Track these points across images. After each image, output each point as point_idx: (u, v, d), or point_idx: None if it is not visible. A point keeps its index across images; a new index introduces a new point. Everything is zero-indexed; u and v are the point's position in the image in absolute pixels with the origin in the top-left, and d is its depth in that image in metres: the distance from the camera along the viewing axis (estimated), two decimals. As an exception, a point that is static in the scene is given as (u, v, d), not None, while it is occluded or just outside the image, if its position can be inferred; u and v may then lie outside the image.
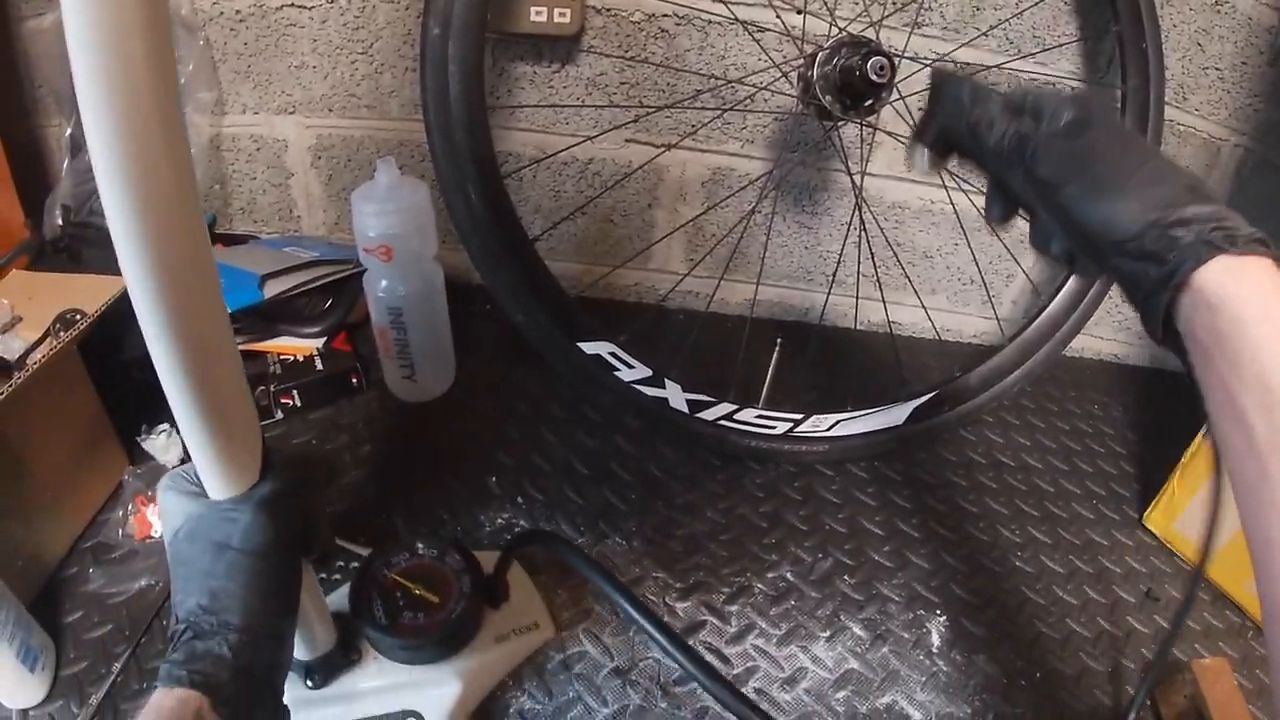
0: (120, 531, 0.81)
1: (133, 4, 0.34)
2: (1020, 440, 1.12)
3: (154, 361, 0.44)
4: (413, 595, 0.71)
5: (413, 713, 0.68)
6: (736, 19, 1.01)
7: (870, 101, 0.87)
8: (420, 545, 0.74)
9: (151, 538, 0.81)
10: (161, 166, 0.38)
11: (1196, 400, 0.46)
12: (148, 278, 0.40)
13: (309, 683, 0.66)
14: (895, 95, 0.94)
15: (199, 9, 1.08)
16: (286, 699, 0.66)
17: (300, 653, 0.65)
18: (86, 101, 0.35)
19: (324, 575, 0.78)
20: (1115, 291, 1.19)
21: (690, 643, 0.79)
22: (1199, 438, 0.94)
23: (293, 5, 1.07)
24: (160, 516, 0.54)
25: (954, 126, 0.60)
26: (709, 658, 0.78)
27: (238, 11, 1.08)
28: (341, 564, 0.79)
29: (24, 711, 0.67)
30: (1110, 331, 1.35)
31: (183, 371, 0.44)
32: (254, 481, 0.51)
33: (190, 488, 0.52)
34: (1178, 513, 0.97)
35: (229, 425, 0.48)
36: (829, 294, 1.19)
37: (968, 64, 1.09)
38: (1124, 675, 0.84)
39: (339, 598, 0.71)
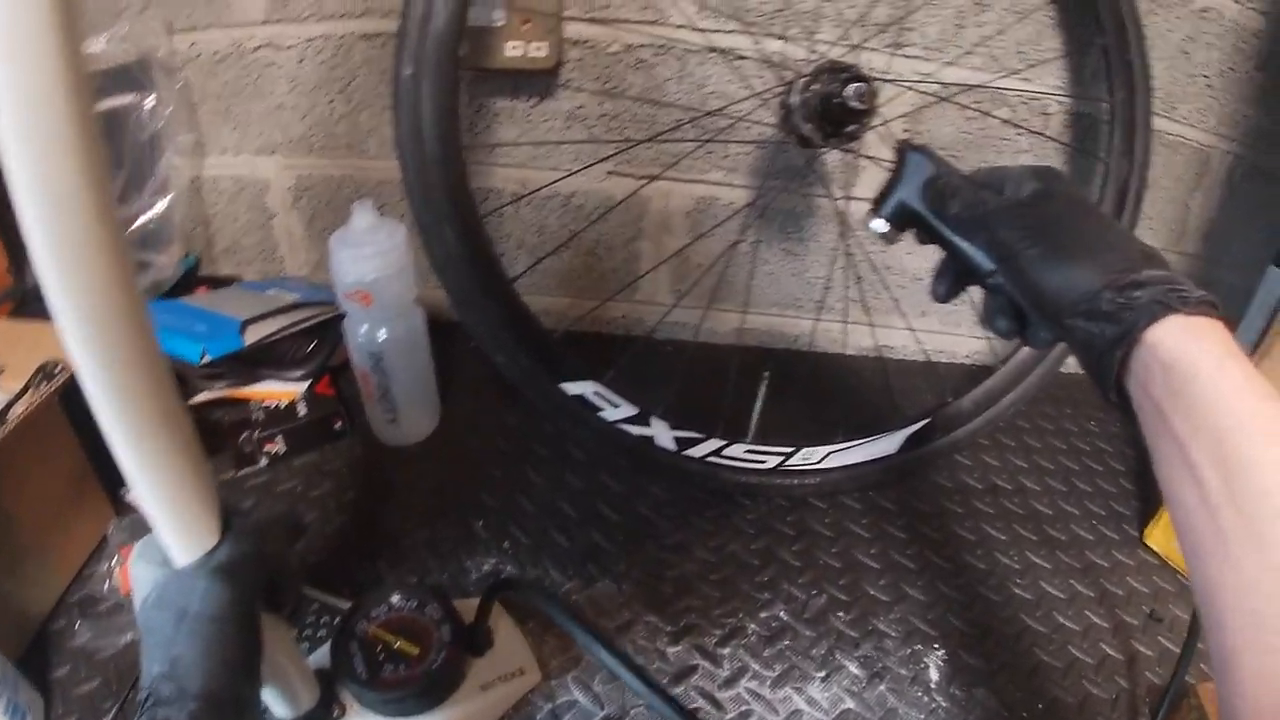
0: (106, 585, 0.80)
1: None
2: (1016, 462, 1.10)
3: (103, 432, 0.44)
4: (392, 648, 0.69)
5: (400, 765, 0.67)
6: (714, 47, 1.01)
7: (851, 128, 0.86)
8: (397, 596, 0.73)
9: (137, 590, 0.80)
10: (94, 240, 0.39)
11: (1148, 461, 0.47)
12: (92, 366, 0.41)
13: (293, 743, 0.65)
14: (878, 120, 0.93)
15: (177, 50, 1.08)
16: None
17: (283, 712, 0.64)
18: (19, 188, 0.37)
19: (308, 633, 0.77)
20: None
21: (679, 688, 0.78)
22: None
23: (269, 45, 1.07)
24: (132, 587, 0.54)
25: (914, 197, 0.64)
26: (701, 703, 0.77)
27: (215, 52, 1.08)
28: (326, 619, 0.78)
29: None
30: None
31: (130, 444, 0.45)
32: (212, 545, 0.51)
33: (159, 556, 0.52)
34: (1179, 531, 0.96)
35: (181, 493, 0.48)
36: (817, 320, 1.19)
37: (951, 84, 1.08)
38: (1128, 701, 0.82)
39: (322, 655, 0.70)
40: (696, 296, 1.18)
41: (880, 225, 0.67)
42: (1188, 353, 0.45)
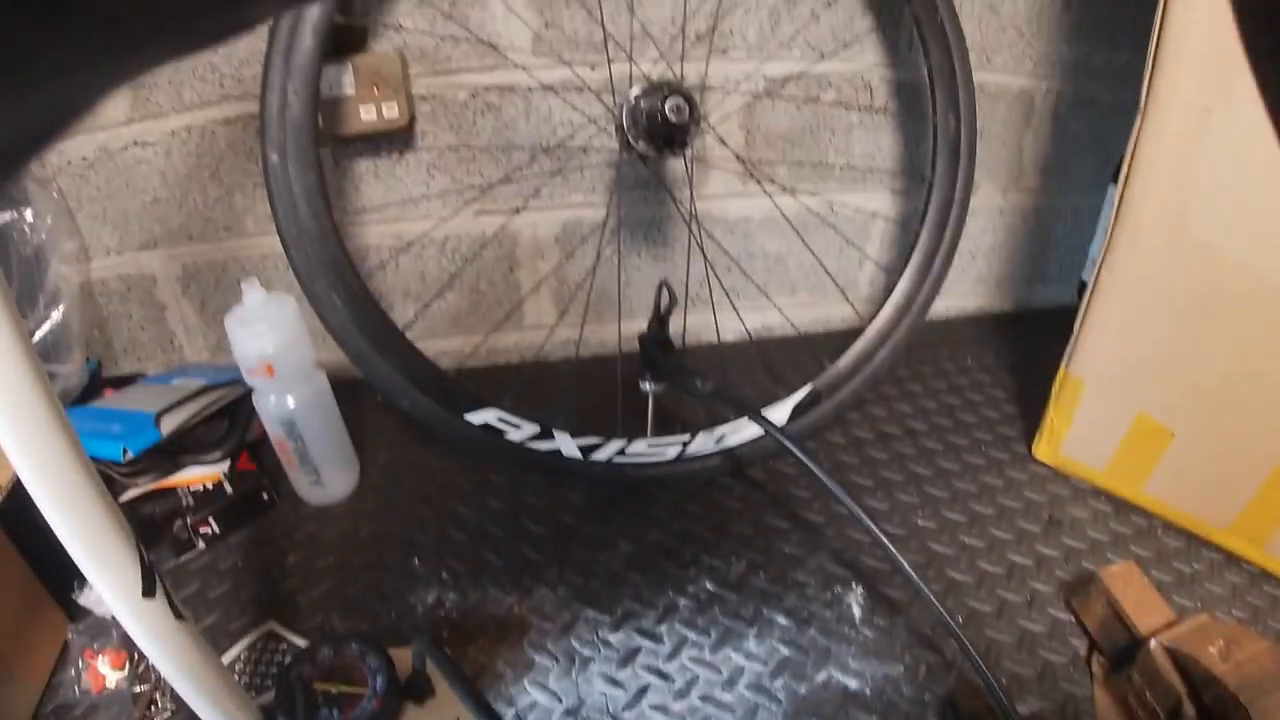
0: (76, 689, 0.82)
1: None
2: (902, 409, 1.18)
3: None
4: (331, 694, 0.72)
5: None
6: (542, 84, 1.08)
7: (680, 137, 0.92)
8: (327, 649, 0.75)
9: (107, 689, 0.81)
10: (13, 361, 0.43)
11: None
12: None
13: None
14: (705, 127, 0.99)
15: (47, 161, 1.10)
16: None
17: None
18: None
19: (272, 671, 0.81)
20: (964, 249, 1.27)
21: (627, 670, 0.83)
22: (1062, 369, 1.02)
23: (136, 144, 1.09)
24: None
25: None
26: (650, 679, 0.82)
27: (84, 158, 1.10)
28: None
29: None
30: (969, 287, 1.43)
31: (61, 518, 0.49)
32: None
33: None
34: (1061, 439, 1.05)
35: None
36: (685, 316, 1.26)
37: (774, 78, 1.16)
38: (1042, 599, 0.90)
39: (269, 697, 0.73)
40: (578, 313, 1.25)
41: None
42: None
